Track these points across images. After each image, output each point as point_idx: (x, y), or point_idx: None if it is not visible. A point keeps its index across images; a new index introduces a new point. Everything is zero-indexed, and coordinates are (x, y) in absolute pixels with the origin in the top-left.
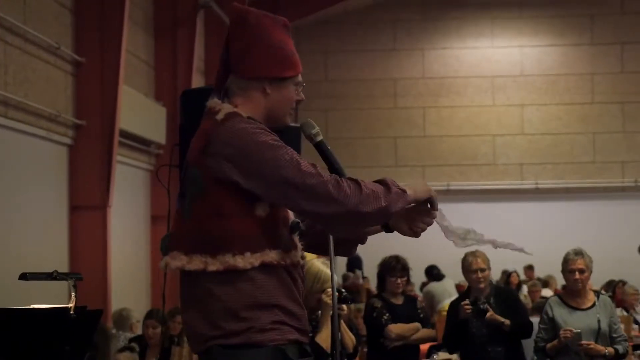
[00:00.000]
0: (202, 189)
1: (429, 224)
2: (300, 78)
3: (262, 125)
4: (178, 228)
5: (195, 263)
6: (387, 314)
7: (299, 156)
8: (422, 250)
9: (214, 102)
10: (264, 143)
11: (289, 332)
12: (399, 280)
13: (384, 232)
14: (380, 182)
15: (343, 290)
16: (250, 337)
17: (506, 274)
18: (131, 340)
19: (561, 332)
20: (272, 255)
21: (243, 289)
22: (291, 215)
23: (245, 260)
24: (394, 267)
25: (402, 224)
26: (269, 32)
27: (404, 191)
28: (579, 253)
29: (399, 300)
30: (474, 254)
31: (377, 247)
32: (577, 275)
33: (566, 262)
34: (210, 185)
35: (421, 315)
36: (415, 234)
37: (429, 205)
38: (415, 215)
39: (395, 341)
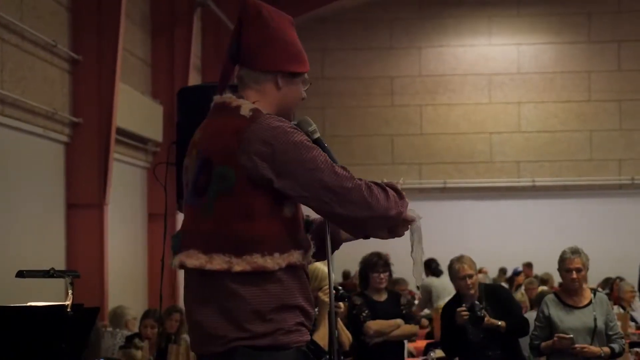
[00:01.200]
0: (231, 187)
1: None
2: (306, 76)
3: (291, 123)
4: (194, 226)
5: (218, 262)
6: (367, 311)
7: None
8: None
9: (227, 96)
10: (300, 143)
11: (306, 334)
12: (382, 276)
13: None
14: (391, 186)
15: (340, 287)
16: (278, 338)
17: (513, 273)
18: (128, 338)
19: (555, 338)
20: (296, 256)
21: (271, 291)
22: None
23: (274, 261)
24: (375, 263)
25: None
26: (283, 28)
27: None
28: (575, 252)
29: (381, 297)
30: (459, 260)
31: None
32: (575, 275)
33: (563, 261)
34: (241, 184)
35: (404, 312)
36: (397, 234)
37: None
38: None
39: (374, 337)
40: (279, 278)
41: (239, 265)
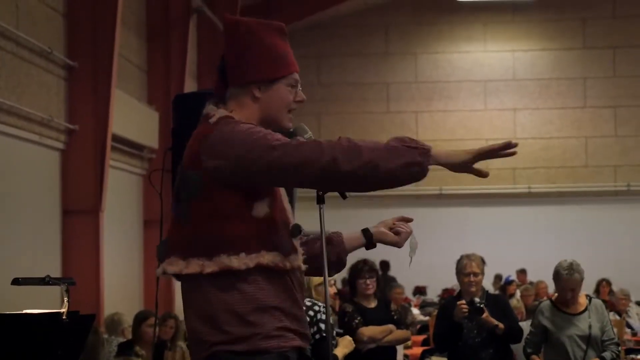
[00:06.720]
0: (199, 191)
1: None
2: (294, 78)
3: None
4: (175, 233)
5: (193, 267)
6: (359, 318)
7: (274, 137)
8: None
9: (209, 108)
10: (246, 130)
11: (293, 339)
12: (368, 282)
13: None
14: (392, 140)
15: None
16: (257, 343)
17: (505, 282)
18: (120, 345)
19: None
20: (268, 257)
21: (245, 291)
22: (292, 219)
23: (240, 261)
24: (361, 269)
25: (385, 236)
26: (259, 37)
27: (417, 148)
28: (570, 270)
29: (371, 304)
30: (469, 257)
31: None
32: (570, 294)
33: (559, 278)
34: (207, 187)
35: (395, 317)
36: (398, 233)
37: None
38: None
39: (367, 344)
40: (254, 279)
41: (210, 267)
